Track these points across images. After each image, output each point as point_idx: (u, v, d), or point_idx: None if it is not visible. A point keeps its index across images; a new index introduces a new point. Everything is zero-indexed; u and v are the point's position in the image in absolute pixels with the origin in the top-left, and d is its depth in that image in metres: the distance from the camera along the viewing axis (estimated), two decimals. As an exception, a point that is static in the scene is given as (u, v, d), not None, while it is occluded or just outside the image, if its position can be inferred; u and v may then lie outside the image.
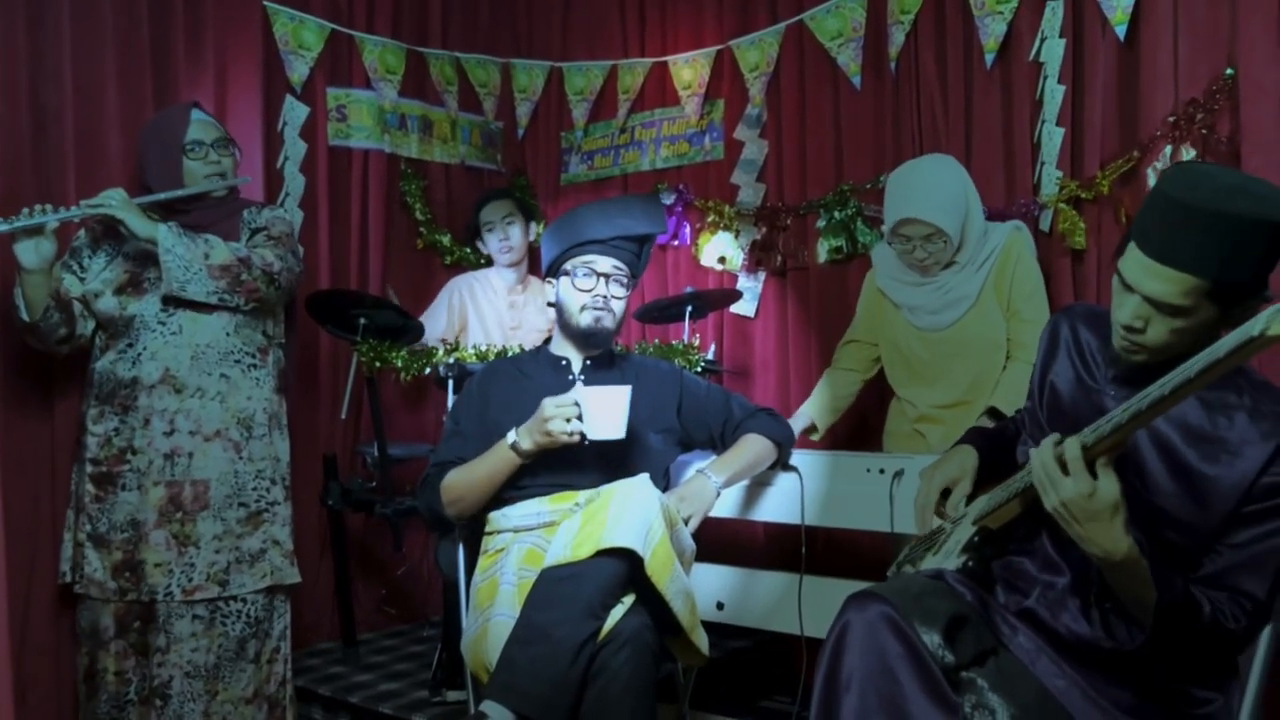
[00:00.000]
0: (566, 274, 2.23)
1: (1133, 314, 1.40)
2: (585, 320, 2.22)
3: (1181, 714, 1.44)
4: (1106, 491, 1.31)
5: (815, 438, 2.94)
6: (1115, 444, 1.31)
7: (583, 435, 2.03)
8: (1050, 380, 1.64)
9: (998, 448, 1.78)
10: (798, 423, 2.85)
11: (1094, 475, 1.32)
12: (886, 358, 2.82)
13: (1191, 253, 1.32)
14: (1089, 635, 1.46)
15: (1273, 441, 1.38)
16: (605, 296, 2.21)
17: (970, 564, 1.57)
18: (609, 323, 2.24)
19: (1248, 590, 1.39)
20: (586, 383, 2.28)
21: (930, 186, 2.54)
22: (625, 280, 2.24)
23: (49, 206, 2.32)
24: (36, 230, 2.29)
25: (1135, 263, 1.38)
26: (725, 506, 2.42)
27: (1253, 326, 1.11)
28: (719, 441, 2.33)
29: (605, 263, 2.21)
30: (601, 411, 2.02)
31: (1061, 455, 1.33)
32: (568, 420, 2.00)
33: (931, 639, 1.40)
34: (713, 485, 2.18)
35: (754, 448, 2.26)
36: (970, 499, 1.68)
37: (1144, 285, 1.37)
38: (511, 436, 2.09)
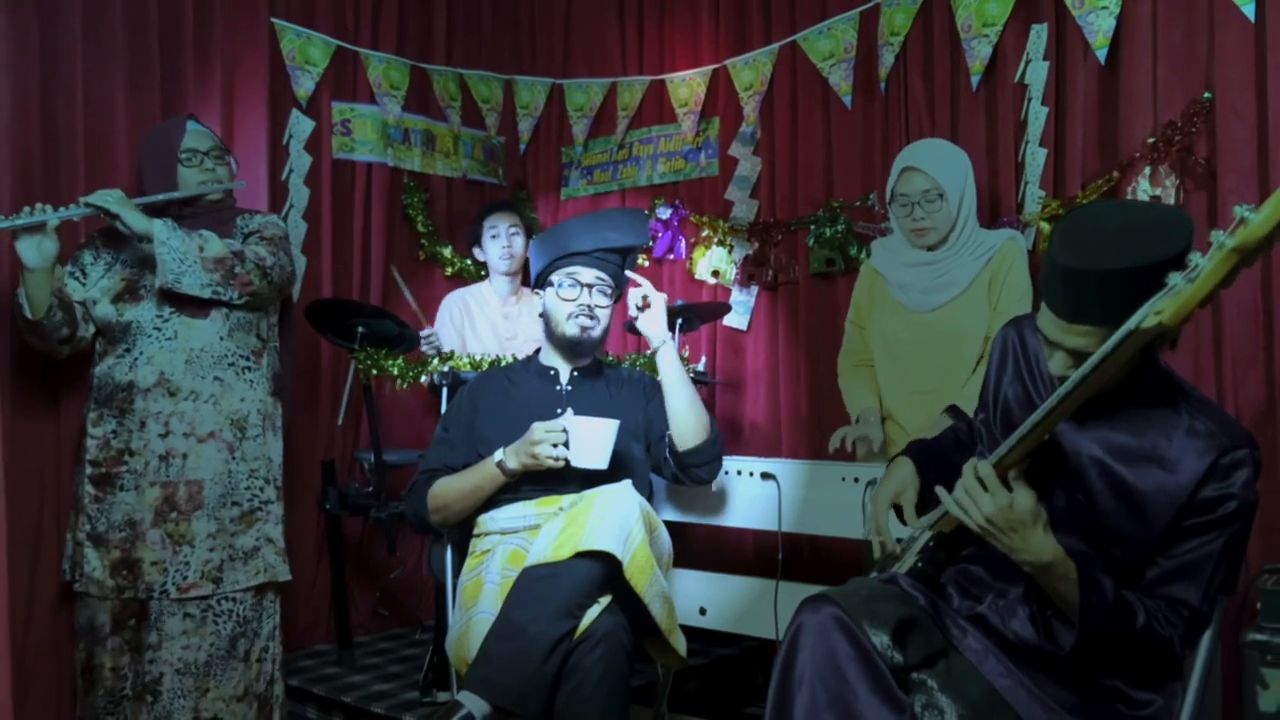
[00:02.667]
0: (552, 285, 2.30)
1: (1062, 366, 1.47)
2: (571, 330, 2.29)
3: (1123, 714, 1.49)
4: (1023, 500, 1.42)
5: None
6: (1021, 456, 1.43)
7: (567, 461, 2.11)
8: (1003, 393, 1.70)
9: (936, 454, 1.84)
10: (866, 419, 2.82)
11: (1009, 489, 1.43)
12: (869, 338, 2.88)
13: (1096, 309, 1.38)
14: (1035, 640, 1.52)
15: (1208, 457, 1.43)
16: (589, 306, 2.28)
17: (920, 565, 1.64)
18: (596, 332, 2.31)
19: (1183, 598, 1.45)
20: (573, 392, 2.35)
21: (935, 150, 2.72)
22: (609, 290, 2.31)
23: (49, 206, 2.38)
24: (38, 228, 2.35)
25: (1049, 322, 1.46)
26: (707, 513, 2.48)
27: (1130, 322, 1.27)
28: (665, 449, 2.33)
29: (588, 274, 2.28)
30: (587, 441, 2.10)
31: (977, 474, 1.44)
32: (554, 445, 2.09)
33: (880, 640, 1.46)
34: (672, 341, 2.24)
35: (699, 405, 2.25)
36: (921, 506, 1.74)
37: (1065, 341, 1.44)
38: (498, 455, 2.17)
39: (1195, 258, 1.22)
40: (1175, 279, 1.23)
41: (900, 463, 1.79)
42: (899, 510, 1.75)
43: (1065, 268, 1.39)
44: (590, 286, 2.28)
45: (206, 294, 2.47)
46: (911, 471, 1.75)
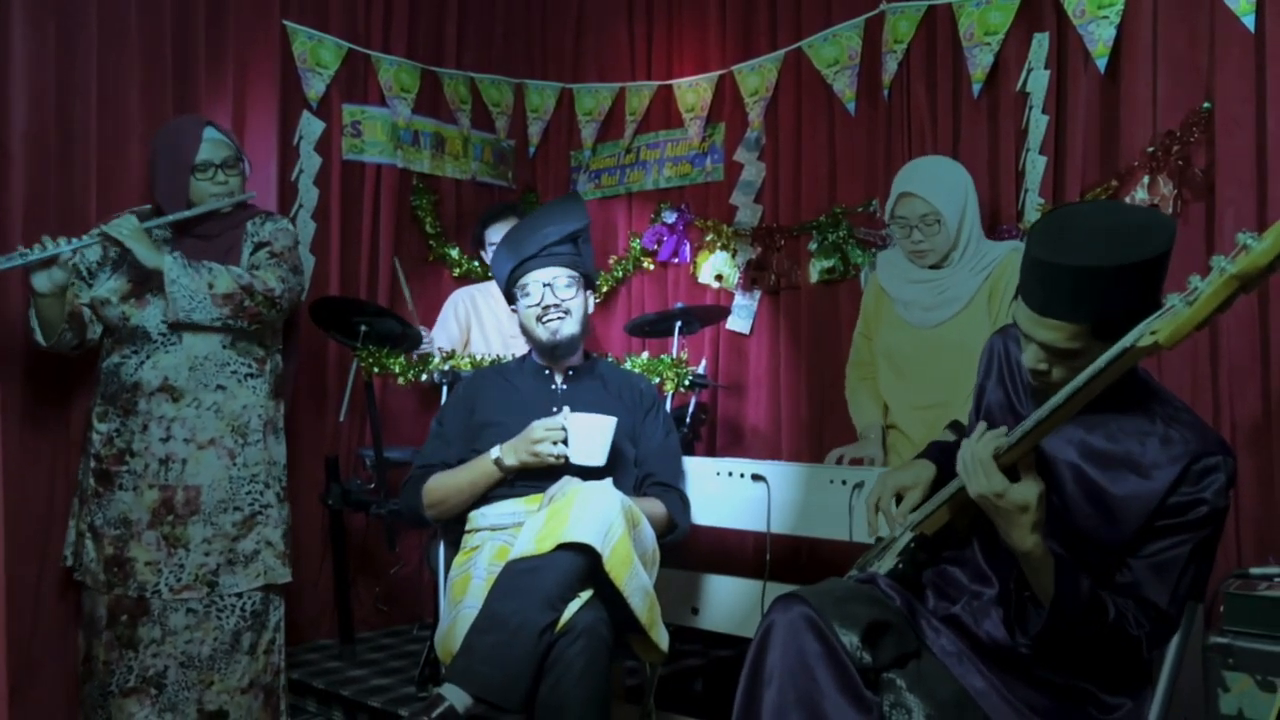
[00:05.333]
0: (518, 295, 2.35)
1: (1034, 359, 1.49)
2: (543, 334, 2.33)
3: (1094, 718, 1.51)
4: (1018, 494, 1.41)
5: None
6: (1025, 450, 1.41)
7: (566, 458, 2.14)
8: (986, 400, 1.72)
9: (954, 460, 1.85)
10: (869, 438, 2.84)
11: (1016, 477, 1.42)
12: (875, 352, 2.88)
13: (1067, 304, 1.41)
14: (1007, 642, 1.54)
15: (1180, 464, 1.46)
16: (555, 304, 2.31)
17: (901, 567, 1.66)
18: (567, 329, 2.33)
19: (1152, 600, 1.46)
20: (569, 391, 2.38)
21: (932, 172, 2.69)
22: (571, 280, 2.33)
23: (63, 239, 2.42)
24: (51, 261, 2.41)
25: (1023, 314, 1.48)
26: (698, 514, 2.50)
27: (1126, 340, 1.27)
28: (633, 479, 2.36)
29: (546, 273, 2.32)
30: (586, 439, 2.15)
31: (977, 457, 1.44)
32: (554, 443, 2.13)
33: (850, 640, 1.48)
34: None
35: (652, 509, 2.26)
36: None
37: (1035, 334, 1.46)
38: (495, 452, 2.21)
39: (1194, 280, 1.22)
40: (1173, 300, 1.24)
41: (922, 462, 1.81)
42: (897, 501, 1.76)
43: (1038, 260, 1.42)
44: (550, 285, 2.31)
45: (217, 325, 2.52)
46: (929, 475, 1.76)
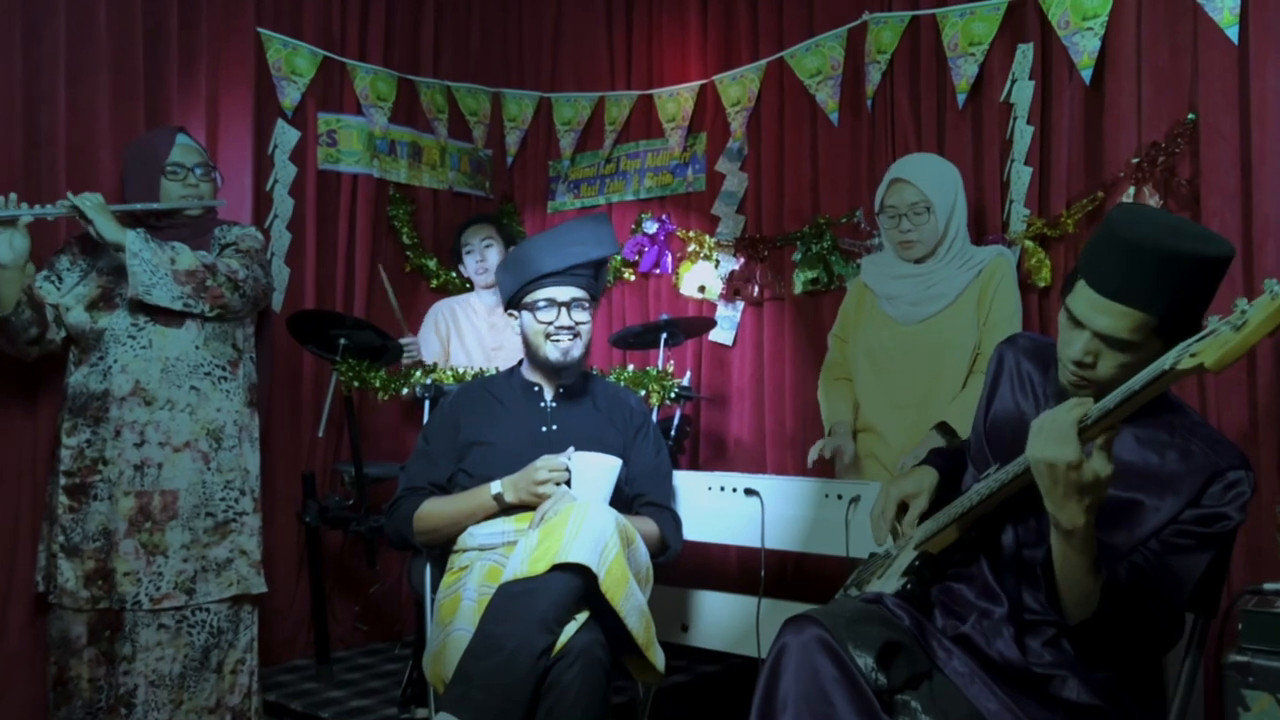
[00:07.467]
0: (528, 308, 2.28)
1: (1083, 350, 1.45)
2: (553, 353, 2.27)
3: (1107, 738, 1.48)
4: (1090, 469, 1.31)
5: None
6: (1105, 430, 1.32)
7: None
8: (993, 411, 1.70)
9: (956, 467, 1.83)
10: (838, 431, 2.83)
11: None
12: (854, 351, 2.88)
13: (1143, 290, 1.37)
14: (1019, 661, 1.51)
15: (1201, 476, 1.45)
16: (570, 326, 2.26)
17: (909, 587, 1.63)
18: (577, 351, 2.29)
19: (1170, 600, 1.44)
20: (558, 409, 2.34)
21: (925, 163, 2.74)
22: (587, 304, 2.30)
23: (24, 204, 2.36)
24: (10, 223, 2.34)
25: (1085, 300, 1.43)
26: (690, 529, 2.47)
27: (1165, 361, 1.22)
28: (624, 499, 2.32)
29: (564, 292, 2.26)
30: (590, 480, 2.11)
31: (1059, 420, 1.33)
32: (556, 484, 2.09)
33: (865, 661, 1.45)
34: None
35: (645, 528, 2.22)
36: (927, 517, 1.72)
37: (1095, 321, 1.42)
38: (495, 488, 2.16)
39: (1241, 304, 1.17)
40: (1216, 323, 1.19)
41: (925, 469, 1.77)
42: (902, 511, 1.74)
43: (1126, 238, 1.38)
44: (567, 305, 2.26)
45: (177, 306, 2.47)
46: (933, 482, 1.73)
